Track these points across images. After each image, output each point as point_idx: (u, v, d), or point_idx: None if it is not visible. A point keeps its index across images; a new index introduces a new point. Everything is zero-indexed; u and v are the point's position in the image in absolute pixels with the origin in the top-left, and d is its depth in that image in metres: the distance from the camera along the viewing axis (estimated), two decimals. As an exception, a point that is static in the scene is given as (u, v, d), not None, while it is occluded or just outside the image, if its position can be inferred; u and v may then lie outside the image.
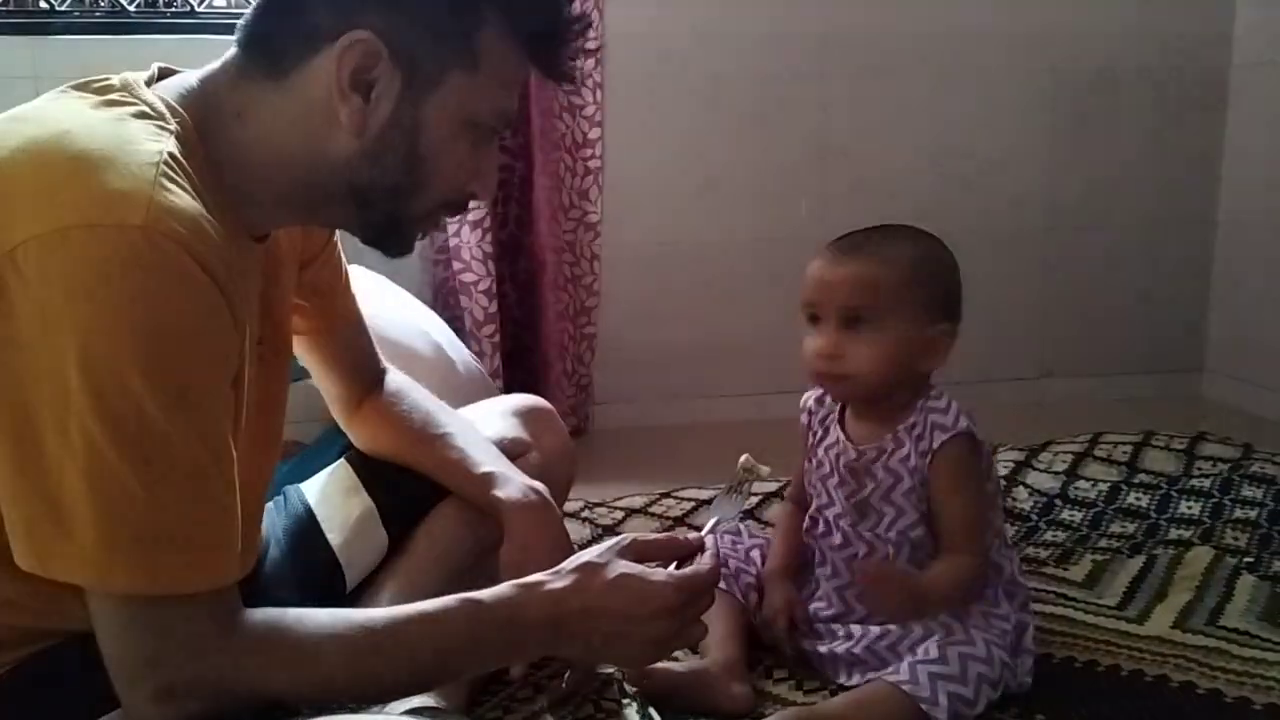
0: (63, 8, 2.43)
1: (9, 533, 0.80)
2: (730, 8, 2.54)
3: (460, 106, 0.94)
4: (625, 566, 1.02)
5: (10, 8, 2.48)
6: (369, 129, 0.92)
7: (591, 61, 2.43)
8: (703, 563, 1.08)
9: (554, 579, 1.00)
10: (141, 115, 0.87)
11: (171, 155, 0.85)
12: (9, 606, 0.87)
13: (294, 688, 0.87)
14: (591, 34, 2.39)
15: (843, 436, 1.39)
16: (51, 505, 0.78)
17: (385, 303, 2.01)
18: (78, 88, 0.90)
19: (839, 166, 2.65)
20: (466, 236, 2.40)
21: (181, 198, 0.82)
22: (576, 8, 1.03)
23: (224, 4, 2.54)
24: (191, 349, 0.81)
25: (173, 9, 2.49)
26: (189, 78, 0.95)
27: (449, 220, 2.37)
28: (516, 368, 2.60)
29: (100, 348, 0.77)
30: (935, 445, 1.30)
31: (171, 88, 0.93)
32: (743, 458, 1.25)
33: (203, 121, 0.91)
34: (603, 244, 2.55)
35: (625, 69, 2.50)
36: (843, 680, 1.33)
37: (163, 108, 0.89)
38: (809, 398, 1.46)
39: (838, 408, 1.42)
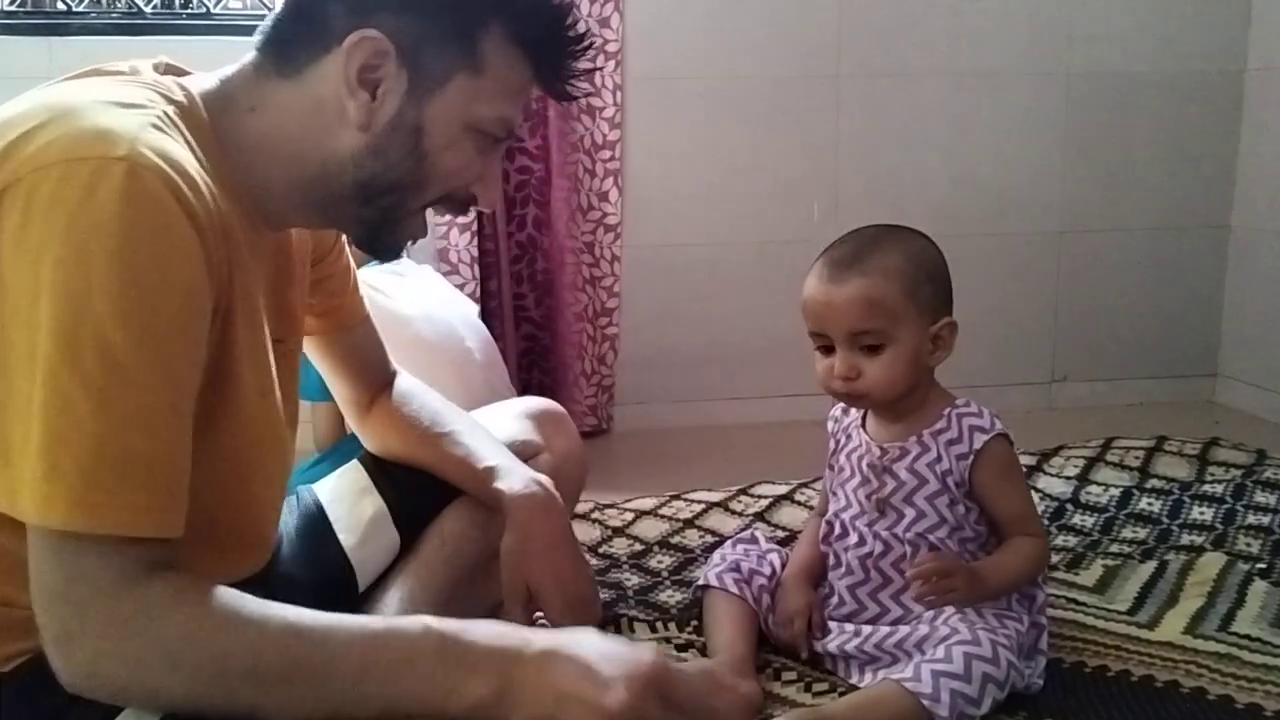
0: (79, 8, 2.45)
1: None
2: (747, 11, 2.54)
3: (463, 109, 0.97)
4: (584, 648, 0.88)
5: (28, 8, 2.49)
6: (375, 125, 0.96)
7: (611, 63, 2.44)
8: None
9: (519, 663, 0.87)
10: (145, 86, 0.90)
11: (167, 114, 0.87)
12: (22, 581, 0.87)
13: (185, 663, 0.80)
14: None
15: (866, 438, 1.41)
16: (16, 436, 0.77)
17: (431, 297, 2.02)
18: (87, 73, 0.93)
19: (852, 169, 2.65)
20: (455, 239, 2.41)
21: (169, 143, 0.83)
22: (581, 27, 1.02)
23: (239, 5, 2.55)
24: (161, 285, 0.80)
25: (189, 10, 2.51)
26: (209, 76, 0.98)
27: (451, 219, 2.38)
28: (534, 368, 2.62)
29: (71, 273, 0.77)
30: (977, 446, 1.34)
31: (191, 81, 0.96)
32: None
33: (219, 112, 0.94)
34: (621, 245, 2.56)
35: (644, 71, 2.51)
36: (854, 680, 1.33)
37: (170, 84, 0.92)
38: (836, 408, 1.47)
39: (860, 414, 1.44)
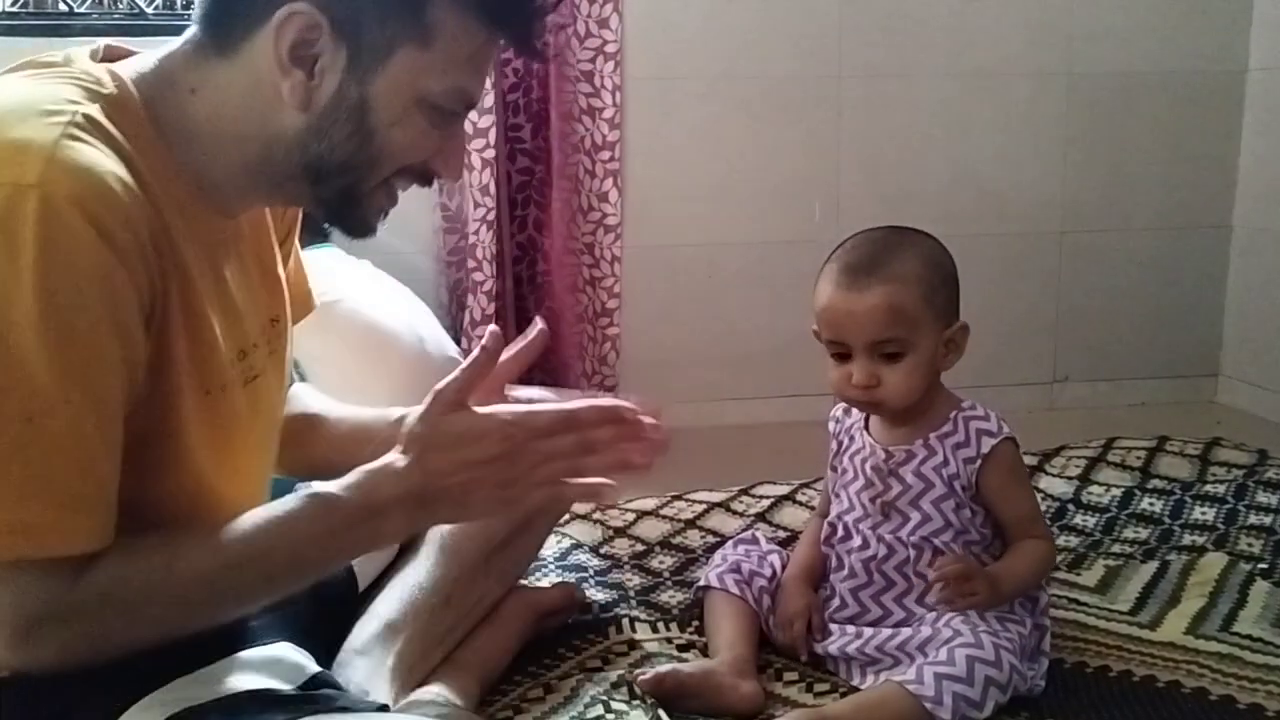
0: (81, 9, 2.45)
1: None
2: (747, 11, 2.54)
3: (412, 83, 0.91)
4: (450, 422, 0.94)
5: (29, 9, 2.50)
6: (314, 104, 0.91)
7: (611, 64, 2.44)
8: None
9: (398, 457, 0.94)
10: (71, 81, 0.87)
11: (88, 116, 0.83)
12: None
13: (149, 607, 0.85)
14: (610, 36, 2.40)
15: (870, 440, 1.40)
16: None
17: (377, 292, 2.02)
18: (20, 66, 0.90)
19: (853, 168, 2.65)
20: (483, 236, 2.40)
21: (87, 154, 0.80)
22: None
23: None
24: (82, 316, 0.79)
25: (190, 11, 2.50)
26: (148, 57, 0.95)
27: (483, 216, 2.37)
28: (535, 369, 2.61)
29: None
30: (984, 450, 1.34)
31: (129, 65, 0.93)
32: None
33: (158, 97, 0.91)
34: (621, 246, 2.56)
35: (644, 71, 2.51)
36: (855, 681, 1.33)
37: (101, 75, 0.89)
38: (838, 408, 1.47)
39: (863, 416, 1.43)
